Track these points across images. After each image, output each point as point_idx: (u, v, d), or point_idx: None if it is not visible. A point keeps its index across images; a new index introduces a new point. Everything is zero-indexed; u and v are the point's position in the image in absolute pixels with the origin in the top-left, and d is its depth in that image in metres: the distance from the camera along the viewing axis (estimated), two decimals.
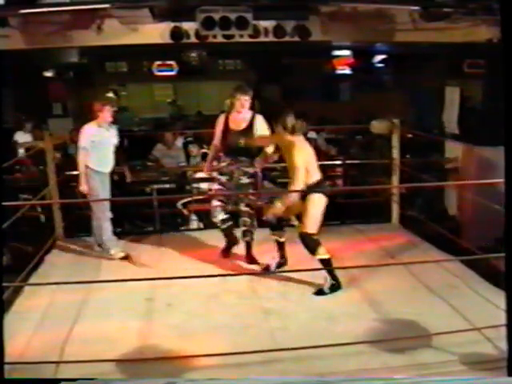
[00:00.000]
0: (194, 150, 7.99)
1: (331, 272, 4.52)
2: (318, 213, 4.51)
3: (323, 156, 8.22)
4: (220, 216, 5.15)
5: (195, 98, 14.42)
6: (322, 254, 4.47)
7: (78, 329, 4.02)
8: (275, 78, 13.23)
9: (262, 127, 5.01)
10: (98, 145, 5.31)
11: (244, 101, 4.92)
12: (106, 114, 5.32)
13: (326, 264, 4.46)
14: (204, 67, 13.30)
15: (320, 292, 4.55)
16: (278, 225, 4.85)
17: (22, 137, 9.04)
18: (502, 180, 2.87)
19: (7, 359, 2.97)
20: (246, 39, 5.91)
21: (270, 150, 5.03)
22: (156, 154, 8.03)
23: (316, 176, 4.56)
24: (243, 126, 5.00)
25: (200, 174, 6.30)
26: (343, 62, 13.71)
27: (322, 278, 4.53)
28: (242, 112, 4.98)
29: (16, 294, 4.47)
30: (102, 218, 5.40)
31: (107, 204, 5.42)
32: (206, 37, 5.90)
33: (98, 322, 4.13)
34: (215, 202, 5.16)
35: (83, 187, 5.31)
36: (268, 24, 6.00)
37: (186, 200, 6.75)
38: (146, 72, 13.54)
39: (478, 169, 6.11)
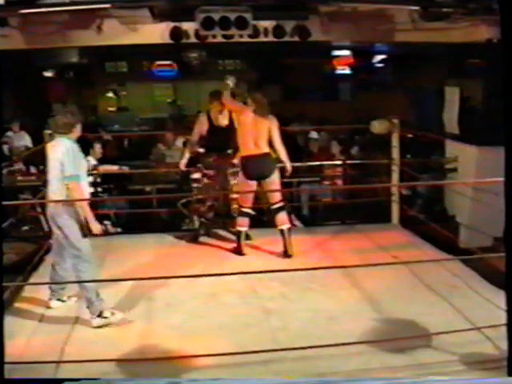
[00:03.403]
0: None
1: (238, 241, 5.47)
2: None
3: (324, 156, 8.23)
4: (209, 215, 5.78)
5: (195, 97, 14.40)
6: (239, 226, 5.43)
7: (78, 329, 4.02)
8: (275, 78, 13.21)
9: None
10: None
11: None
12: (79, 129, 4.19)
13: (237, 234, 5.48)
14: (204, 67, 13.29)
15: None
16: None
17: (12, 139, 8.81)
18: (501, 180, 2.87)
19: (7, 359, 2.97)
20: (246, 39, 5.91)
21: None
22: (156, 154, 8.03)
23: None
24: (225, 122, 5.65)
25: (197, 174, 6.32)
26: (343, 61, 13.72)
27: None
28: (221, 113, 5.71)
29: (16, 294, 4.47)
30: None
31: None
32: (205, 37, 5.90)
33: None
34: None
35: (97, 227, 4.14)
36: (268, 24, 5.99)
37: (185, 200, 6.74)
38: (146, 72, 13.54)
39: (477, 169, 6.10)
